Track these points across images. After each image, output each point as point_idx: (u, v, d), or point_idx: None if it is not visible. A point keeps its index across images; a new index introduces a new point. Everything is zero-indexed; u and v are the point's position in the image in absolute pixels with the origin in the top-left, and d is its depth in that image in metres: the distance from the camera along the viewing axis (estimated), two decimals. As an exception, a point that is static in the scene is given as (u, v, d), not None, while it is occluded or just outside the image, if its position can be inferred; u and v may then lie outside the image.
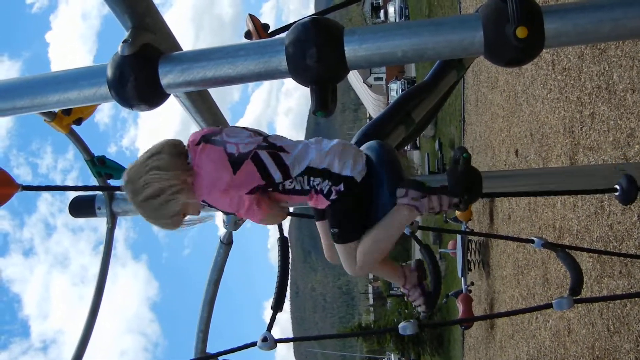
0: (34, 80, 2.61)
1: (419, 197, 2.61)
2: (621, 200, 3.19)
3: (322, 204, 2.71)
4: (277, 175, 2.63)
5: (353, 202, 2.68)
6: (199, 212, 2.76)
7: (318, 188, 2.66)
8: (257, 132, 2.78)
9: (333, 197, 2.65)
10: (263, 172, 2.61)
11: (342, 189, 2.65)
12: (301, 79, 2.28)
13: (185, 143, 2.71)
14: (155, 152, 2.61)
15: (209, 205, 2.72)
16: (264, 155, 2.62)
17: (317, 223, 3.03)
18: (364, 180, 2.67)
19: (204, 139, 2.67)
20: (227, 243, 4.29)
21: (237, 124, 2.97)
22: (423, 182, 2.74)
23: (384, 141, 2.90)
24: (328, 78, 2.26)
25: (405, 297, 3.24)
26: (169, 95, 2.51)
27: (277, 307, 2.87)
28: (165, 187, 2.54)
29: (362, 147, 2.85)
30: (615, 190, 3.15)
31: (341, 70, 2.27)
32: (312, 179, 2.66)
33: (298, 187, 2.68)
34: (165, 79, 2.40)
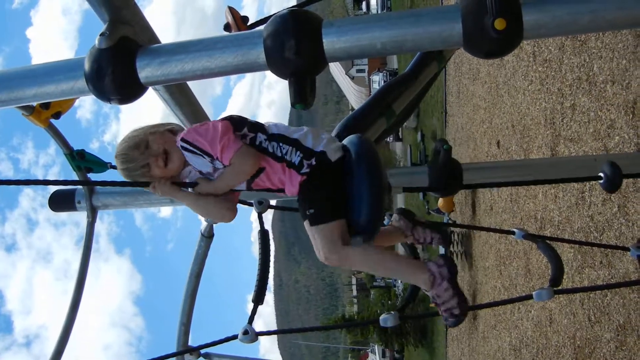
0: (10, 74, 2.58)
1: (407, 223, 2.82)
2: (606, 188, 3.17)
3: (295, 181, 2.70)
4: (248, 125, 2.75)
5: (327, 180, 2.68)
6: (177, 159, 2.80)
7: (289, 158, 2.69)
8: None
9: (305, 170, 2.67)
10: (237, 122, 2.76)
11: (314, 162, 2.67)
12: (279, 72, 2.27)
13: None
14: None
15: (187, 150, 2.73)
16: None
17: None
18: (337, 164, 2.70)
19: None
20: (208, 236, 4.30)
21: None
22: (412, 212, 2.95)
23: (365, 136, 2.88)
24: (306, 70, 2.24)
25: (430, 300, 2.70)
26: (147, 88, 2.48)
27: (258, 300, 2.86)
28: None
29: (343, 141, 2.85)
30: (600, 178, 3.14)
31: (320, 62, 2.26)
32: (282, 145, 2.71)
33: (270, 149, 2.71)
34: (143, 72, 2.37)
